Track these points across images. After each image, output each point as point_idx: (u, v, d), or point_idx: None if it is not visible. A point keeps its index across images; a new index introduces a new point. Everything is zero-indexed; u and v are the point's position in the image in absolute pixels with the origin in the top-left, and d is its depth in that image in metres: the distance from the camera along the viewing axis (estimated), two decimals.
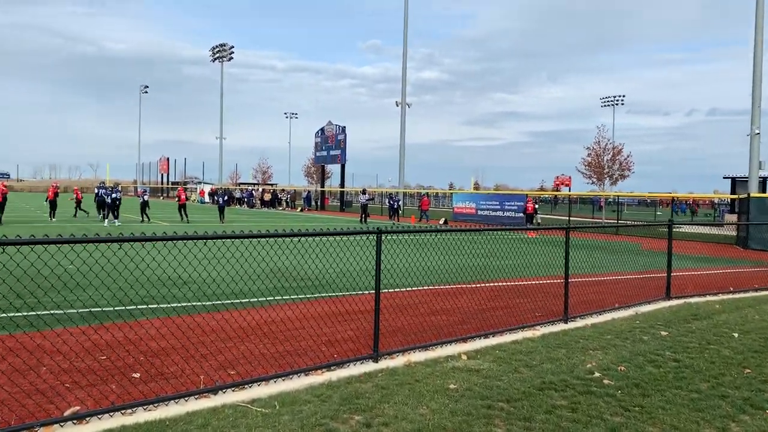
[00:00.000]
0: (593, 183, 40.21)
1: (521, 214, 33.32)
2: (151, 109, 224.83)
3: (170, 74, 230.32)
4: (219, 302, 8.61)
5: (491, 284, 11.32)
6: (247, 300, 9.14)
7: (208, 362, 6.05)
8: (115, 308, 8.30)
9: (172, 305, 8.60)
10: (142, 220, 29.21)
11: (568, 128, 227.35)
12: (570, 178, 79.66)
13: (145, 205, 29.79)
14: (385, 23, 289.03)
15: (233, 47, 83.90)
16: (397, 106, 49.72)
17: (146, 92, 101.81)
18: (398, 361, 6.37)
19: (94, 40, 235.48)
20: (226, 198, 35.53)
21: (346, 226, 31.35)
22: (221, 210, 33.49)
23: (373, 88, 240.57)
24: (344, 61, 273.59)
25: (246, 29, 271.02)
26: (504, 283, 10.90)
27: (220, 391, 5.17)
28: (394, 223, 34.28)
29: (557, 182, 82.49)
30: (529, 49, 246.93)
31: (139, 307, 8.41)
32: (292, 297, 9.37)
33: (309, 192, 58.88)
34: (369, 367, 6.11)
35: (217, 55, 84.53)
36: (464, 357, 6.67)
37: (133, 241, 4.75)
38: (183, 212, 32.61)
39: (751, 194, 24.75)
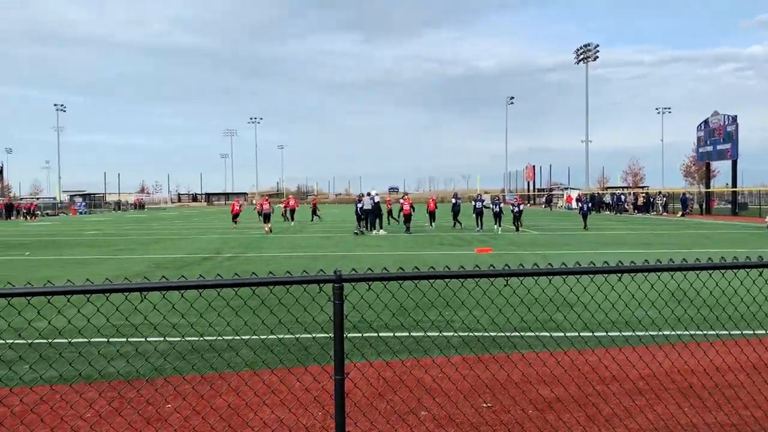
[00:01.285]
0: None
1: None
2: (516, 119, 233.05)
3: (532, 83, 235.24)
4: (616, 334, 6.96)
5: None
6: (657, 333, 7.22)
7: (615, 430, 4.49)
8: (494, 333, 7.37)
9: (551, 334, 7.30)
10: (517, 230, 29.02)
11: None
12: None
13: (519, 215, 29.59)
14: None
15: (598, 46, 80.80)
16: None
17: (512, 103, 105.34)
18: None
19: (462, 61, 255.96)
20: (590, 204, 33.73)
21: None
22: (585, 216, 31.80)
23: (764, 69, 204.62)
24: (724, 44, 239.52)
25: (608, 27, 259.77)
26: None
27: None
28: None
29: None
30: None
31: (510, 335, 7.31)
32: (710, 333, 7.14)
33: (684, 194, 52.01)
34: None
35: (582, 56, 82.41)
36: None
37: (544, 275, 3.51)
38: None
39: None
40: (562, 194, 77.13)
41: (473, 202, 31.50)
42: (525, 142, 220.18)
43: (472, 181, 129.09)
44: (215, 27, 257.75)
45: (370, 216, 28.65)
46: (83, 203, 76.67)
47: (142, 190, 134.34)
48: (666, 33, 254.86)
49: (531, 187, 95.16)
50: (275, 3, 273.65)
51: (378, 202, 29.11)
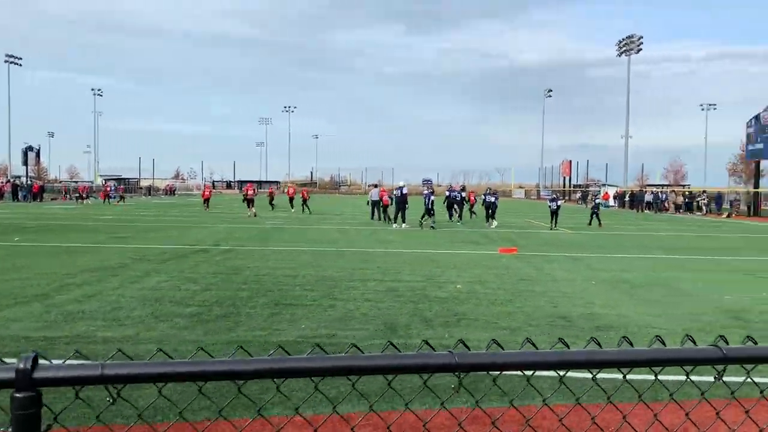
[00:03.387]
0: None
1: None
2: (555, 115, 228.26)
3: (573, 79, 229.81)
4: None
5: None
6: None
7: None
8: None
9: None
10: (552, 228, 27.03)
11: None
12: None
13: (556, 212, 27.48)
14: None
15: (642, 38, 77.28)
16: None
17: (550, 96, 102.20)
18: None
19: (505, 54, 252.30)
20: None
21: None
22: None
23: None
24: None
25: (657, 20, 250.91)
26: None
27: None
28: None
29: None
30: None
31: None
32: None
33: (719, 194, 48.58)
34: None
35: (624, 48, 79.05)
36: None
37: None
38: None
39: None
40: (599, 191, 74.22)
41: (484, 197, 29.20)
42: (564, 138, 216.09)
43: (508, 175, 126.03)
44: (261, 18, 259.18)
45: (390, 208, 27.48)
46: (113, 187, 76.89)
47: (177, 176, 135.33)
48: (715, 28, 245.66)
49: (567, 183, 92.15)
50: None
51: (406, 194, 27.51)
